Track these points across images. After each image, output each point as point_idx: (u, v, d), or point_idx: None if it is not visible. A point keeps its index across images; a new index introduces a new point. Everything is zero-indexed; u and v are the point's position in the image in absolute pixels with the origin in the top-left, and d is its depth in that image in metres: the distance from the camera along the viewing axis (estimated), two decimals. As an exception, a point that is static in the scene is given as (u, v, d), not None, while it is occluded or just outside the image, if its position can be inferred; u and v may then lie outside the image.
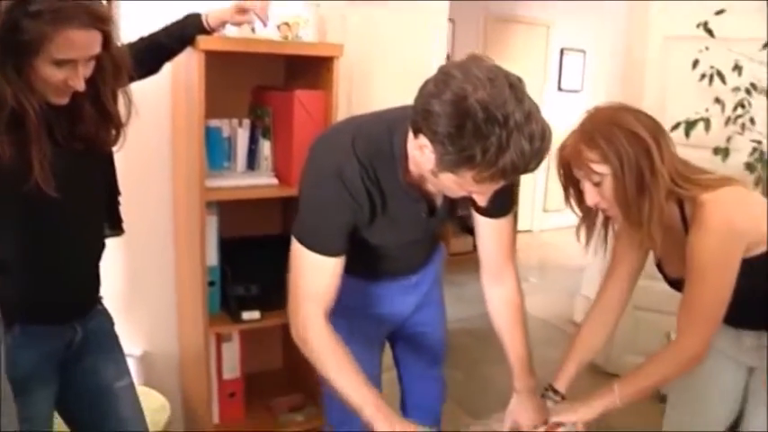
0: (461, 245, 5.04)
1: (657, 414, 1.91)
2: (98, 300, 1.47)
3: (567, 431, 1.50)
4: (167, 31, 1.70)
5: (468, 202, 1.33)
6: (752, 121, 2.56)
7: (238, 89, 2.11)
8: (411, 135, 1.20)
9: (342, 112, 1.96)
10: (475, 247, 4.31)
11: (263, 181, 1.95)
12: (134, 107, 1.36)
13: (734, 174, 1.64)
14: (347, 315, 1.48)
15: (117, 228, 1.52)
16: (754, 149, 2.54)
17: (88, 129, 1.30)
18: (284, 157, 1.96)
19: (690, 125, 2.47)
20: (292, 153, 1.89)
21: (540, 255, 5.71)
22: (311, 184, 1.34)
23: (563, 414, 1.50)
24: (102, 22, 1.20)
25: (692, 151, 1.71)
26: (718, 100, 2.52)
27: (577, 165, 1.37)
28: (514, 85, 1.11)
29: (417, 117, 1.15)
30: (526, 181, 6.05)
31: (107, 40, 1.23)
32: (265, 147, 2.01)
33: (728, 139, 2.56)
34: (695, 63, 2.52)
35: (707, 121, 2.47)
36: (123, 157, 1.47)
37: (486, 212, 1.45)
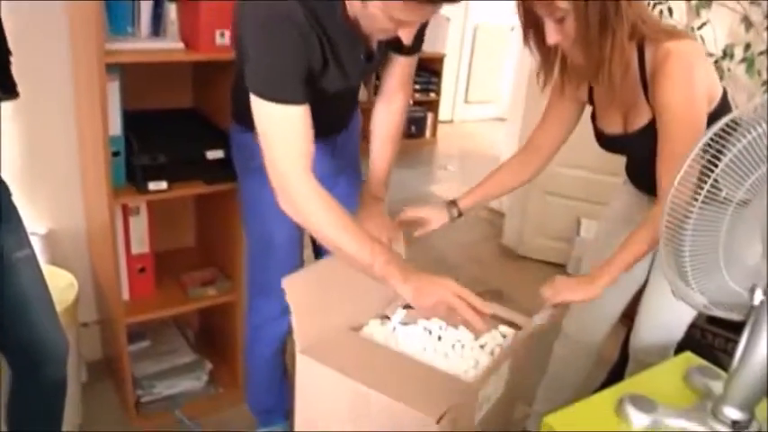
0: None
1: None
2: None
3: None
4: None
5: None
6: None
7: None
8: None
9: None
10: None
11: (168, 45, 1.84)
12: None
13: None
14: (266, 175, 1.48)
15: (10, 91, 1.42)
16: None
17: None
18: (191, 21, 1.84)
19: None
20: (200, 18, 1.78)
21: (460, 144, 5.77)
22: (261, 33, 1.27)
23: (563, 291, 1.53)
24: None
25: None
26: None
27: (540, 1, 1.33)
28: None
29: None
30: (449, 72, 6.01)
31: None
32: (171, 10, 1.88)
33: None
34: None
35: None
36: (12, 14, 1.34)
37: (398, 50, 1.52)
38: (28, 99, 1.50)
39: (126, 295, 2.01)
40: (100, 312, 2.31)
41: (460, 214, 1.71)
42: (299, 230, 1.70)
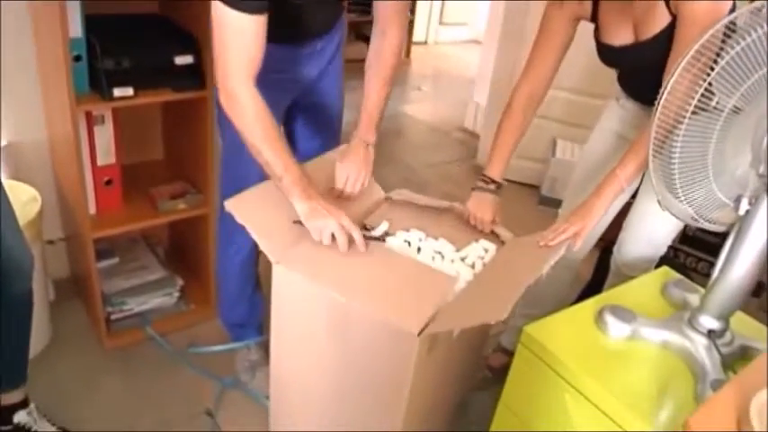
0: (357, 52, 4.89)
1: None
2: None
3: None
4: None
5: None
6: None
7: None
8: None
9: None
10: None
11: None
12: None
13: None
14: None
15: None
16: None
17: None
18: None
19: None
20: None
21: (434, 65, 5.64)
22: None
23: (577, 220, 1.49)
24: None
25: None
26: None
27: None
28: None
29: None
30: (425, -7, 5.83)
31: None
32: None
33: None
34: None
35: None
36: None
37: None
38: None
39: (92, 209, 1.93)
40: (66, 229, 2.24)
41: (499, 185, 1.68)
42: None
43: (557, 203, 2.03)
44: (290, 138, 1.84)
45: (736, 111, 1.15)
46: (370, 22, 1.63)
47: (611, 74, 1.75)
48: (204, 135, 1.91)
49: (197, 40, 1.79)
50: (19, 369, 1.62)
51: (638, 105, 1.69)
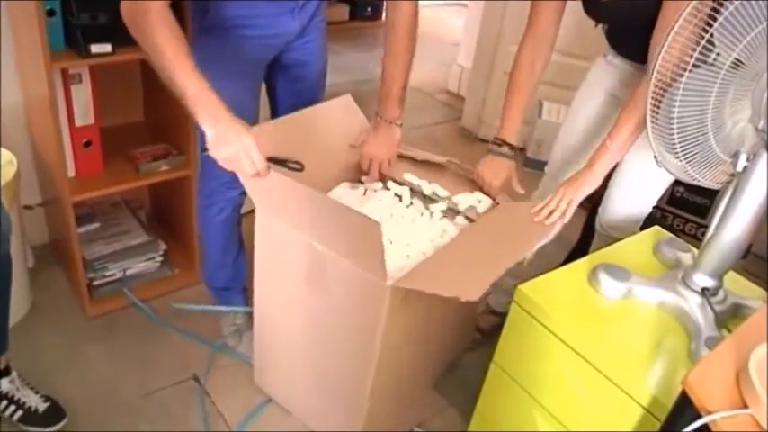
0: (337, 14, 4.81)
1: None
2: None
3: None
4: None
5: None
6: None
7: None
8: None
9: None
10: (351, 16, 4.10)
11: None
12: None
13: None
14: (227, 36, 1.42)
15: None
16: None
17: None
18: None
19: None
20: None
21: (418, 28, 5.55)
22: None
23: (568, 192, 1.46)
24: None
25: None
26: None
27: None
28: None
29: None
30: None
31: None
32: None
33: None
34: None
35: None
36: None
37: None
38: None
39: (71, 172, 1.88)
40: (44, 194, 2.18)
41: (512, 147, 1.65)
42: (252, 93, 1.66)
43: (542, 165, 2.01)
44: (272, 95, 1.80)
45: (736, 66, 1.13)
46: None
47: (599, 35, 1.72)
48: (186, 95, 1.85)
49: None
50: (-1, 336, 1.59)
51: (627, 63, 1.66)
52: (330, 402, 1.60)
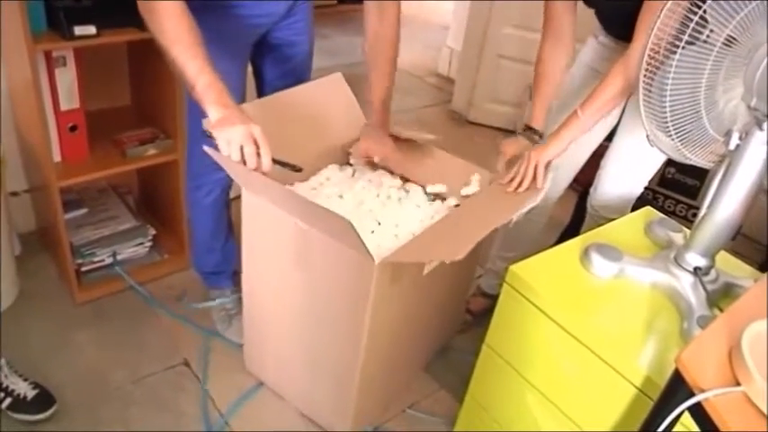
0: (326, -4, 4.78)
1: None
2: None
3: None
4: None
5: None
6: None
7: None
8: None
9: None
10: (339, 0, 4.00)
11: None
12: None
13: None
14: (213, 14, 1.39)
15: None
16: None
17: None
18: None
19: None
20: None
21: (406, 12, 5.50)
22: None
23: (533, 156, 1.48)
24: None
25: None
26: None
27: None
28: None
29: None
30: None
31: None
32: None
33: None
34: None
35: None
36: None
37: None
38: None
39: (57, 157, 1.85)
40: (30, 180, 2.15)
41: (541, 135, 1.63)
42: (239, 73, 1.65)
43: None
44: (259, 76, 1.78)
45: (729, 43, 1.12)
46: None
47: (589, 17, 1.71)
48: (173, 78, 1.81)
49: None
50: (-14, 323, 1.57)
51: (614, 41, 1.65)
52: (321, 385, 1.60)
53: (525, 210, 1.44)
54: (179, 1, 1.25)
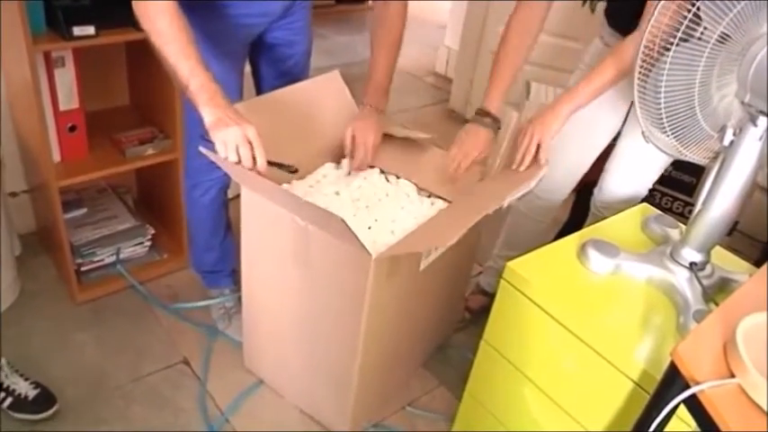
0: (323, -4, 4.78)
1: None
2: None
3: None
4: None
5: None
6: None
7: None
8: None
9: None
10: (337, 0, 4.01)
11: None
12: None
13: None
14: (210, 14, 1.40)
15: None
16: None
17: None
18: None
19: None
20: None
21: (404, 11, 5.52)
22: None
23: (536, 132, 1.46)
24: None
25: None
26: None
27: None
28: None
29: None
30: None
31: None
32: None
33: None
34: None
35: None
36: None
37: None
38: None
39: (57, 157, 1.86)
40: (29, 180, 2.15)
41: (495, 119, 1.61)
42: (236, 73, 1.65)
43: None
44: (257, 76, 1.78)
45: (723, 40, 1.13)
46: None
47: (586, 15, 1.71)
48: (171, 78, 1.83)
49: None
50: (-14, 323, 1.58)
51: (619, 41, 1.65)
52: (320, 382, 1.61)
53: (519, 195, 1.43)
54: (172, 1, 1.25)
